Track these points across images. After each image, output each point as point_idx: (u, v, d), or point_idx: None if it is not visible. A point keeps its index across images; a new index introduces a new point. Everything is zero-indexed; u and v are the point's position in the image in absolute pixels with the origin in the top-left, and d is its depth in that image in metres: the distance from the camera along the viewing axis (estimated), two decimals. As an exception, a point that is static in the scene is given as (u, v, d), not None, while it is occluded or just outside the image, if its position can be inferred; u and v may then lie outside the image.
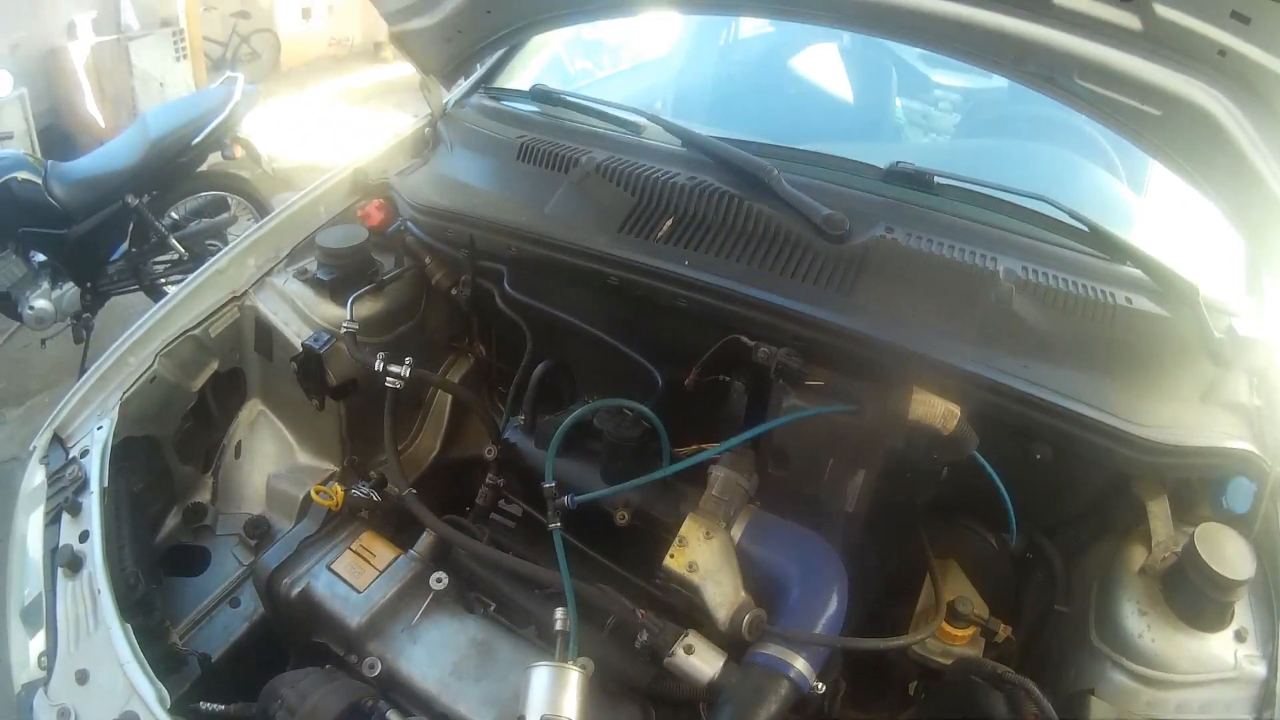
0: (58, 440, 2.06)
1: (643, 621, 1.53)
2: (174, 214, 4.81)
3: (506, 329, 2.25)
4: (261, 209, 5.03)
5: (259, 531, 2.21)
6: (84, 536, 1.80)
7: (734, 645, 1.56)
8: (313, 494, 1.88)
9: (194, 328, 2.22)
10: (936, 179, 1.98)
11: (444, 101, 2.69)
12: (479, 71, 2.86)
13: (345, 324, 2.13)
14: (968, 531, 1.89)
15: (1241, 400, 1.66)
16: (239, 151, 4.87)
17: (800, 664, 1.45)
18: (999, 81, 3.19)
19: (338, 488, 1.89)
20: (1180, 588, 1.49)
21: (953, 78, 3.66)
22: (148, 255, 4.71)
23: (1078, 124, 2.60)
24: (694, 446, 1.76)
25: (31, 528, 1.90)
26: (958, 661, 1.68)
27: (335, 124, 6.08)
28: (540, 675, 1.41)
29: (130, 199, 4.46)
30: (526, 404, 2.03)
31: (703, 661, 1.51)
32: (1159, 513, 1.60)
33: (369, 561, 1.81)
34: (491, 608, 1.79)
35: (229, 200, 4.95)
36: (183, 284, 2.32)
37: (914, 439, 1.56)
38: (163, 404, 2.21)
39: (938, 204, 1.97)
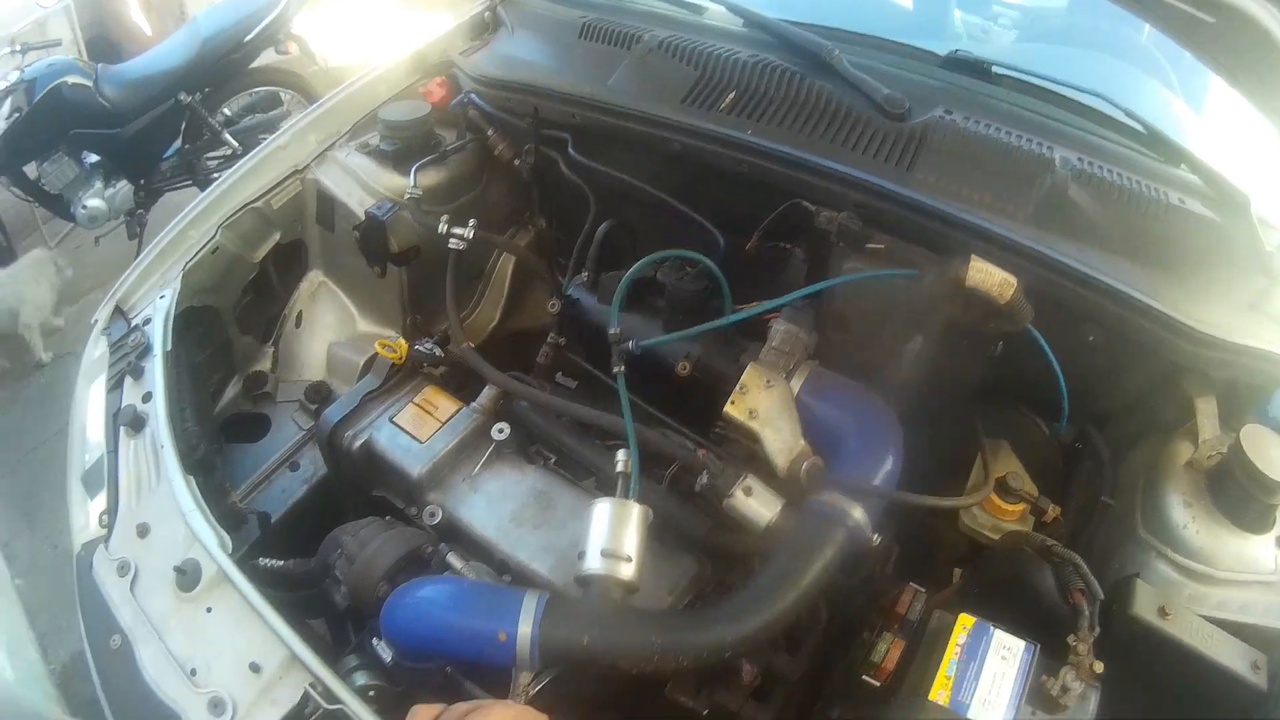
0: (119, 312, 2.07)
1: (704, 460, 1.53)
2: (227, 110, 4.80)
3: (567, 199, 2.24)
4: (312, 99, 4.95)
5: (320, 396, 2.24)
6: (146, 398, 1.81)
7: (791, 495, 1.55)
8: (378, 348, 1.88)
9: (256, 200, 2.23)
10: (994, 68, 1.98)
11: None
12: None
13: (409, 191, 2.14)
14: (1018, 416, 1.88)
15: None
16: (292, 48, 4.84)
17: (858, 513, 1.42)
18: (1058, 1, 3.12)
19: (402, 342, 1.89)
20: (1226, 486, 1.49)
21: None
22: (201, 151, 4.71)
23: (1137, 43, 2.58)
24: (755, 303, 1.75)
25: (93, 395, 1.91)
26: (1007, 534, 1.68)
27: (387, 23, 6.06)
28: (602, 509, 1.40)
29: (183, 96, 4.45)
30: (590, 261, 2.04)
31: (761, 504, 1.50)
32: (1206, 410, 1.60)
33: (431, 414, 1.82)
34: (551, 460, 1.79)
35: (282, 96, 4.94)
36: (243, 160, 2.34)
37: (970, 306, 1.53)
38: (224, 274, 2.22)
39: (995, 93, 1.97)
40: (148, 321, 1.98)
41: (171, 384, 1.83)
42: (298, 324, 2.43)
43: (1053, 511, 1.74)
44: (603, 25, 2.27)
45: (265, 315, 2.42)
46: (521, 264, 2.56)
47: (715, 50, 2.04)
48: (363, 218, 2.18)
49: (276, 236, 2.32)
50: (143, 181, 4.58)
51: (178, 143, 4.66)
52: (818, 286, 1.67)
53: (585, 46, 2.27)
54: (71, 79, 4.28)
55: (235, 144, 4.68)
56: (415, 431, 1.78)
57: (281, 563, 1.69)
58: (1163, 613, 1.34)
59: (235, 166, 2.32)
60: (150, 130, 4.50)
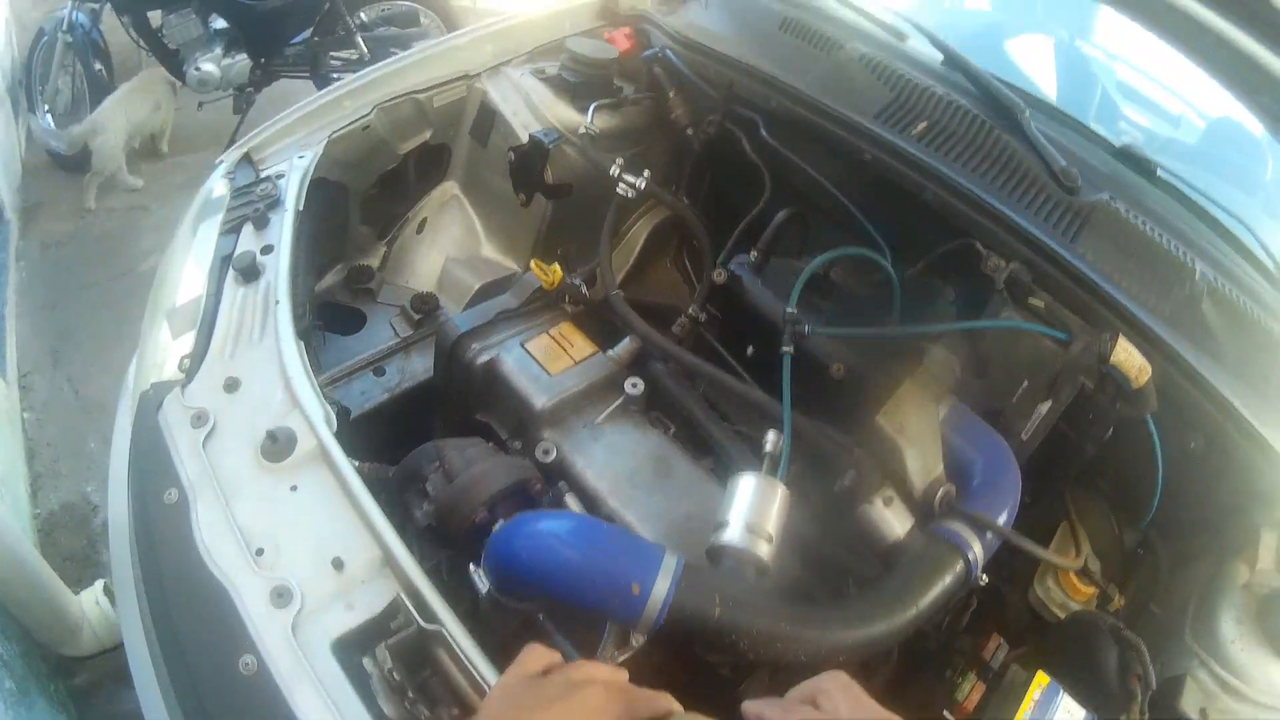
0: (248, 160, 1.93)
1: (856, 458, 1.48)
2: (364, 14, 4.70)
3: (732, 179, 2.19)
4: (453, 28, 4.83)
5: (427, 307, 2.12)
6: (267, 249, 1.66)
7: (918, 515, 1.54)
8: (532, 267, 1.79)
9: (419, 91, 2.12)
10: (1159, 171, 2.01)
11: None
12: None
13: (585, 126, 2.05)
14: (1094, 502, 1.88)
15: None
16: (452, -27, 4.76)
17: (978, 548, 1.40)
18: (1187, 136, 3.05)
19: (556, 268, 1.80)
20: (1275, 615, 1.56)
21: (1142, 115, 3.50)
22: (329, 47, 4.60)
23: (1261, 180, 2.60)
24: (930, 323, 1.73)
25: (203, 232, 1.75)
26: (1082, 611, 1.69)
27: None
28: (748, 482, 1.34)
29: (332, -13, 4.37)
30: (762, 243, 1.97)
31: (896, 518, 1.49)
32: (1270, 543, 1.65)
33: (565, 350, 1.74)
34: (670, 430, 1.72)
35: (421, 16, 4.84)
36: (416, 50, 2.22)
37: (1105, 383, 1.57)
38: (366, 155, 2.09)
39: (1154, 193, 1.98)
40: (280, 176, 1.84)
41: (297, 243, 1.70)
42: (419, 230, 2.32)
43: (1118, 601, 1.77)
44: (805, 24, 2.19)
45: (389, 211, 2.30)
46: (657, 233, 2.44)
47: (912, 78, 2.01)
48: (524, 140, 2.08)
49: (427, 135, 2.21)
50: (262, 60, 4.48)
51: (307, 32, 4.56)
52: (977, 324, 1.65)
53: (785, 40, 2.18)
54: (222, -65, 4.19)
55: (365, 49, 4.59)
56: (546, 363, 1.70)
57: (356, 464, 1.54)
58: (1204, 714, 1.45)
59: (405, 54, 2.21)
60: (287, 11, 4.41)
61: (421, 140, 2.20)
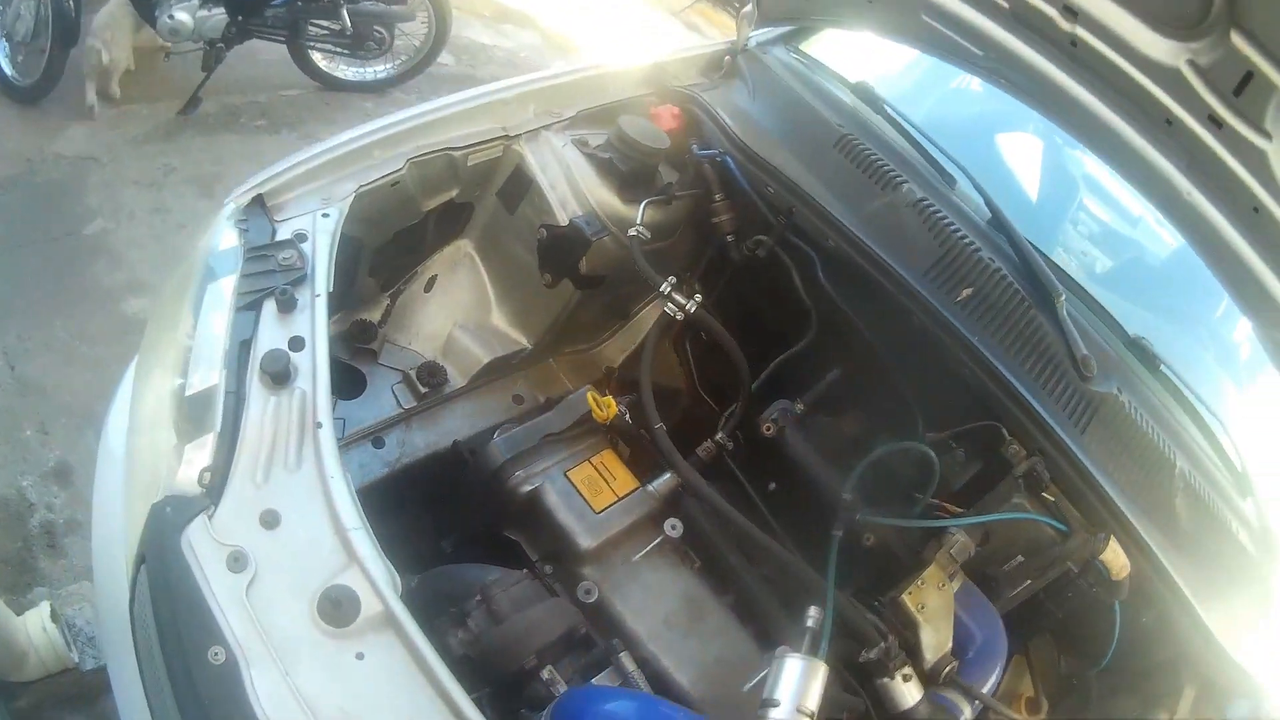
0: (261, 206, 1.73)
1: (889, 643, 1.59)
2: (351, -15, 4.48)
3: (764, 304, 2.18)
4: (441, 15, 4.70)
5: (435, 380, 2.03)
6: (297, 344, 1.49)
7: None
8: (590, 400, 1.79)
9: (457, 149, 1.98)
10: (1161, 366, 2.13)
11: (748, 36, 2.51)
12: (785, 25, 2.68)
13: (638, 229, 1.96)
14: (1045, 640, 2.09)
15: (1266, 642, 1.94)
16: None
17: (968, 713, 1.62)
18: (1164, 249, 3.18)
19: (612, 402, 1.79)
20: None
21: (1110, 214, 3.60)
22: (311, 14, 4.37)
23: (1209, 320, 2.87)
24: (965, 513, 1.83)
25: (213, 300, 1.54)
26: None
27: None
28: (794, 664, 1.42)
29: (321, -51, 4.14)
30: (811, 397, 2.02)
31: (909, 691, 1.60)
32: (1189, 698, 1.91)
33: (608, 483, 1.78)
34: (697, 565, 1.80)
35: (410, -2, 4.64)
36: (455, 99, 2.07)
37: (1088, 571, 1.78)
38: (389, 212, 1.95)
39: (1153, 384, 2.10)
40: (303, 238, 1.67)
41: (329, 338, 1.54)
42: (428, 288, 2.18)
43: None
44: (861, 148, 2.15)
45: (397, 263, 2.15)
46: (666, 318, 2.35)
47: (961, 235, 2.04)
48: (561, 220, 1.99)
49: (454, 193, 2.07)
50: (240, 18, 4.20)
51: (293, -5, 4.31)
52: (996, 517, 1.78)
53: (840, 162, 2.14)
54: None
55: (348, 22, 4.37)
56: (589, 497, 1.74)
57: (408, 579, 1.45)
58: None
59: (442, 102, 2.05)
60: (271, -32, 4.15)
61: (448, 198, 2.06)
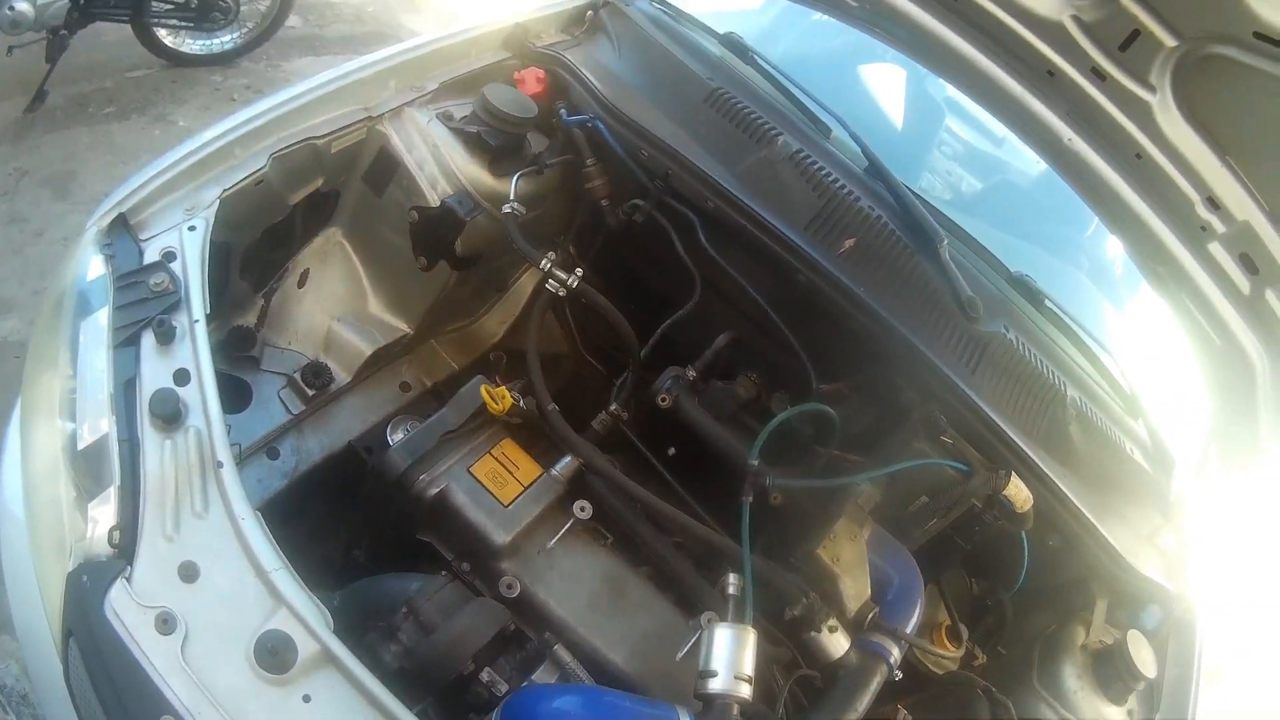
0: (124, 226, 1.63)
1: (811, 599, 1.66)
2: (191, -45, 4.25)
3: (645, 268, 2.18)
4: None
5: (320, 381, 1.97)
6: (182, 377, 1.42)
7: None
8: (483, 394, 1.75)
9: (319, 137, 1.89)
10: (1046, 301, 2.21)
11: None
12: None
13: (513, 205, 1.90)
14: (958, 571, 2.22)
15: (1169, 549, 2.14)
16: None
17: (896, 653, 1.67)
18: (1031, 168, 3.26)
19: (505, 392, 1.75)
20: (1105, 666, 1.94)
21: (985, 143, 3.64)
22: (156, -11, 4.15)
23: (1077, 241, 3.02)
24: (865, 463, 1.84)
25: (89, 338, 1.48)
26: (957, 674, 1.99)
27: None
28: (723, 633, 1.45)
29: (166, -78, 3.91)
30: (703, 364, 2.01)
31: (838, 642, 1.69)
32: (1101, 608, 2.07)
33: (512, 473, 1.75)
34: (609, 540, 1.80)
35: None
36: (312, 83, 1.96)
37: (991, 505, 1.86)
38: (255, 211, 1.86)
39: (1039, 320, 2.18)
40: (172, 258, 1.58)
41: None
42: (301, 283, 2.10)
43: (981, 658, 2.10)
44: (733, 102, 2.13)
45: (265, 259, 2.06)
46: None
47: (840, 185, 2.04)
48: (432, 201, 1.94)
49: (319, 182, 1.99)
50: (82, 1, 3.95)
51: (132, -30, 4.07)
52: (905, 465, 1.79)
53: (713, 118, 2.11)
54: None
55: (194, -1, 4.15)
56: (496, 490, 1.71)
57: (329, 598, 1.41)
58: None
59: (300, 88, 1.94)
60: (114, -54, 3.90)
61: (313, 188, 1.99)
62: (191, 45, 4.60)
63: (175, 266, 1.57)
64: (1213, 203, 1.92)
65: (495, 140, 1.98)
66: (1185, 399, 2.41)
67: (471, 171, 1.98)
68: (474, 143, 2.00)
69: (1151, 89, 1.79)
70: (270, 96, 1.92)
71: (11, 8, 3.70)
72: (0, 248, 3.41)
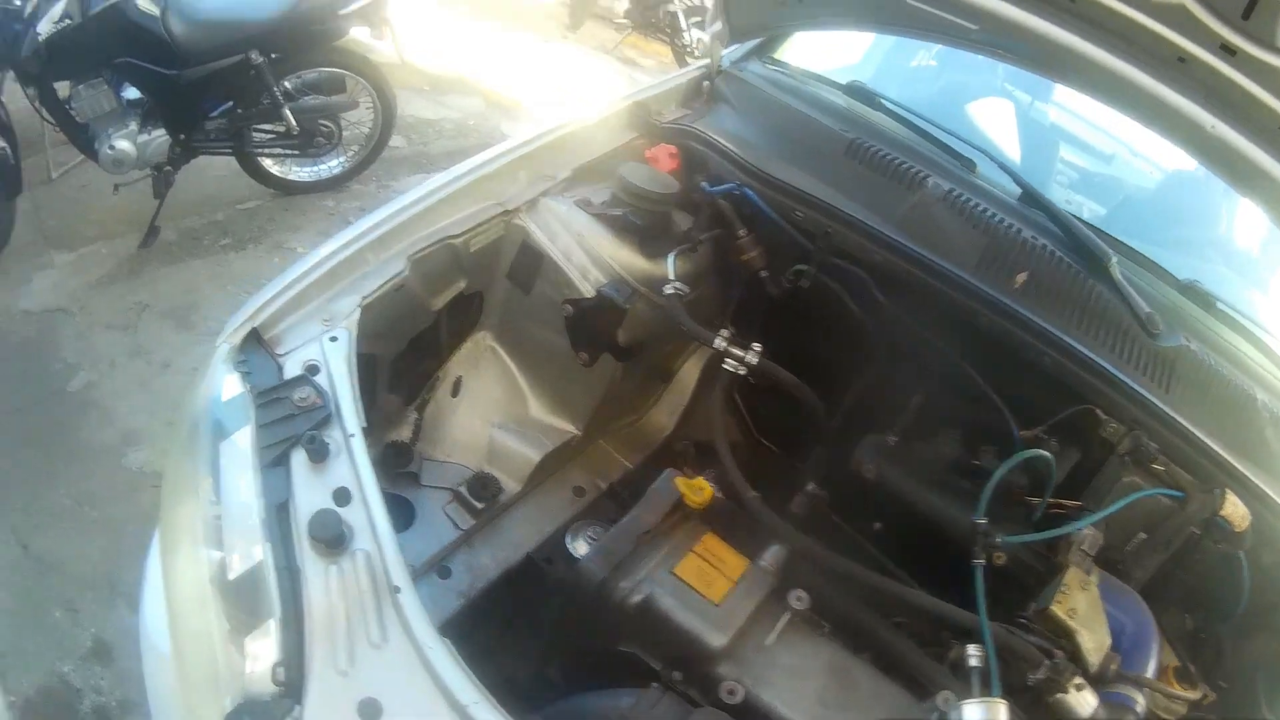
0: (258, 340, 1.56)
1: (1056, 659, 1.53)
2: (287, 83, 4.25)
3: (811, 334, 2.05)
4: (385, 99, 4.53)
5: (489, 493, 1.88)
6: (343, 498, 1.33)
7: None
8: (681, 487, 1.66)
9: (455, 236, 1.82)
10: (1218, 304, 2.12)
11: (721, 56, 2.40)
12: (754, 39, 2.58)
13: (673, 284, 1.84)
14: (1175, 609, 2.00)
15: None
16: (388, 33, 4.36)
17: (1141, 703, 1.57)
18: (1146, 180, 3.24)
19: (704, 482, 1.67)
20: None
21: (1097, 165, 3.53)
22: (253, 119, 4.18)
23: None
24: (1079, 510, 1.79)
25: (232, 461, 1.38)
26: (1190, 717, 1.79)
27: (467, 33, 5.74)
28: (974, 712, 1.37)
29: (255, 55, 3.93)
30: (901, 429, 1.93)
31: (1086, 699, 1.53)
32: None
33: (718, 569, 1.63)
34: (826, 629, 1.68)
35: (347, 81, 4.42)
36: (439, 181, 1.90)
37: (1211, 530, 1.74)
38: (398, 319, 1.79)
39: (1215, 325, 2.09)
40: (315, 371, 1.50)
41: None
42: (454, 391, 2.03)
43: (1210, 697, 1.85)
44: (874, 151, 2.08)
45: (415, 371, 1.99)
46: (709, 370, 2.22)
47: (998, 218, 1.99)
48: (585, 292, 1.85)
49: (462, 284, 1.92)
50: (182, 135, 4.03)
51: (230, 103, 4.13)
52: (1128, 500, 1.72)
53: (856, 169, 2.07)
54: (140, 1, 3.72)
55: (293, 122, 4.19)
56: (705, 590, 1.58)
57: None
58: None
59: (428, 188, 1.88)
60: (208, 81, 3.95)
61: (456, 291, 1.91)
62: (299, 173, 4.65)
63: (320, 379, 1.48)
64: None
65: (642, 220, 1.91)
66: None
67: (623, 256, 1.92)
68: (620, 226, 1.93)
69: None
70: (398, 199, 1.85)
71: (113, 146, 3.79)
72: (127, 382, 3.42)
